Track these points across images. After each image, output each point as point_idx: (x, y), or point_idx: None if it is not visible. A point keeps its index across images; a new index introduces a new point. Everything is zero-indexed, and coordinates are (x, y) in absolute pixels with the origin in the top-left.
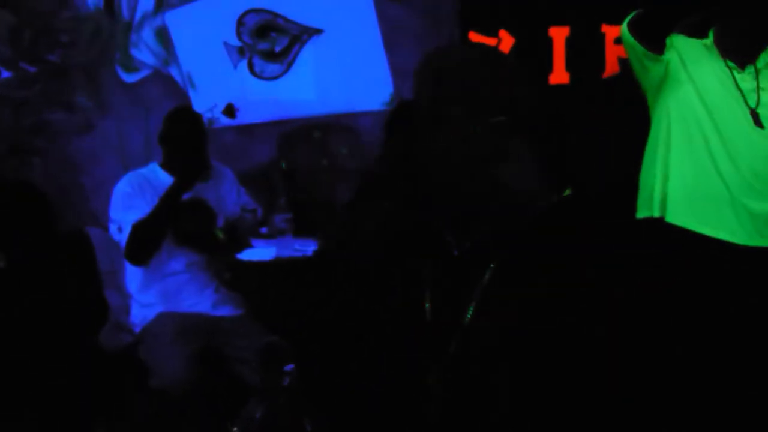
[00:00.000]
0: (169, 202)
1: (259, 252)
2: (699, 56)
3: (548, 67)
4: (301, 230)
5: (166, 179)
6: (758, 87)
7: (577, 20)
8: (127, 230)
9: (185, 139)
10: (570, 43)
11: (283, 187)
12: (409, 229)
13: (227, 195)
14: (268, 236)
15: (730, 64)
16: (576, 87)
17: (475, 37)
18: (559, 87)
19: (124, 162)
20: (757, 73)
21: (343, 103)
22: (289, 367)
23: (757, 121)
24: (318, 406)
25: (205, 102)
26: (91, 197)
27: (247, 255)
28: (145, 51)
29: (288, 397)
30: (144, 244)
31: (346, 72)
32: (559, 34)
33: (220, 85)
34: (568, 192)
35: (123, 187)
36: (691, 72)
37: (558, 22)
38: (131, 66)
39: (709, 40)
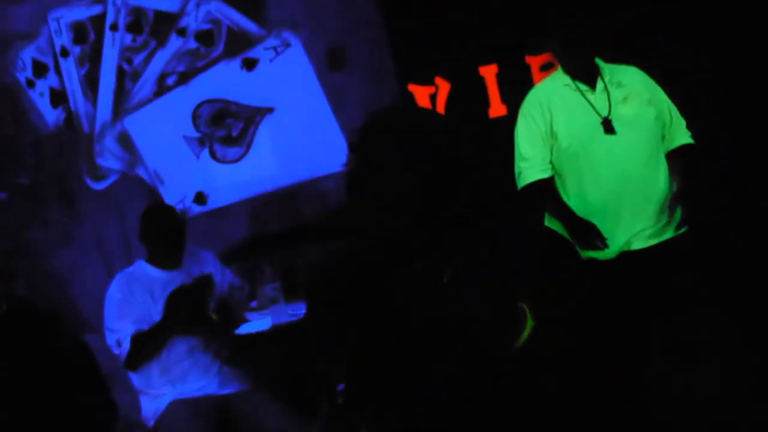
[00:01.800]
0: (159, 335)
1: (256, 324)
2: (551, 93)
3: (486, 103)
4: (290, 296)
5: (155, 274)
6: (609, 101)
7: (503, 56)
8: (126, 344)
9: (164, 233)
10: (500, 78)
11: (265, 259)
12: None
13: (213, 277)
14: (260, 308)
15: (582, 86)
16: (515, 117)
17: (413, 88)
18: (500, 119)
19: (106, 267)
20: (607, 88)
21: (305, 171)
22: (340, 387)
23: (609, 129)
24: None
25: (175, 194)
26: (80, 306)
27: (245, 329)
28: (109, 158)
29: (343, 414)
30: (144, 358)
31: (303, 141)
32: (489, 72)
33: (187, 176)
34: None
35: (114, 293)
36: (553, 110)
37: (485, 61)
38: (99, 174)
39: (559, 72)
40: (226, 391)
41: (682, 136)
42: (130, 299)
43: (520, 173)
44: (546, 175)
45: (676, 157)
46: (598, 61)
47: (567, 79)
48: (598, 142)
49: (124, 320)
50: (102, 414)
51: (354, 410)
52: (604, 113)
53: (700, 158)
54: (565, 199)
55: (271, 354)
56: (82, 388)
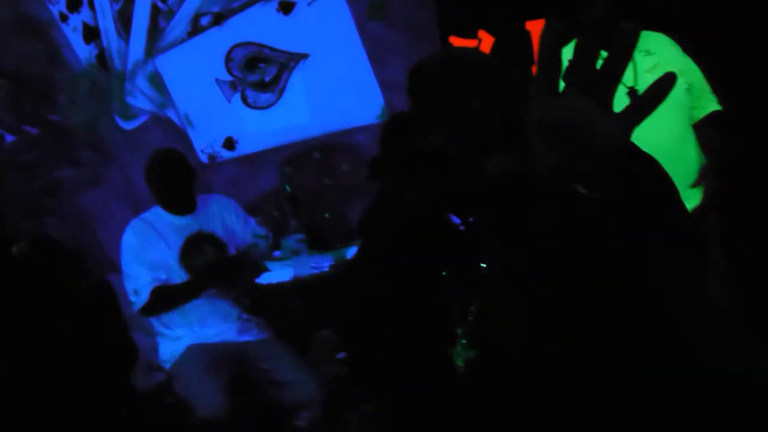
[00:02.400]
0: (183, 296)
1: (277, 274)
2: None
3: (530, 60)
4: (314, 248)
5: (169, 219)
6: (635, 69)
7: (552, 12)
8: (144, 295)
9: (167, 179)
10: None
11: (292, 209)
12: (419, 217)
13: (234, 225)
14: (282, 259)
15: (605, 54)
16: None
17: (455, 40)
18: None
19: (134, 207)
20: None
21: (338, 122)
22: (341, 355)
23: None
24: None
25: (205, 138)
26: (107, 246)
27: (266, 279)
28: (140, 97)
29: (344, 383)
30: (161, 312)
31: (337, 91)
32: (536, 27)
33: (217, 120)
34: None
35: (129, 239)
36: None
37: (533, 16)
38: (129, 114)
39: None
40: (244, 339)
41: (710, 103)
42: (145, 245)
43: None
44: None
45: (704, 128)
46: None
47: None
48: None
49: (140, 265)
50: (122, 354)
51: (355, 384)
52: (630, 83)
53: (728, 128)
54: None
55: (292, 306)
56: (102, 327)
